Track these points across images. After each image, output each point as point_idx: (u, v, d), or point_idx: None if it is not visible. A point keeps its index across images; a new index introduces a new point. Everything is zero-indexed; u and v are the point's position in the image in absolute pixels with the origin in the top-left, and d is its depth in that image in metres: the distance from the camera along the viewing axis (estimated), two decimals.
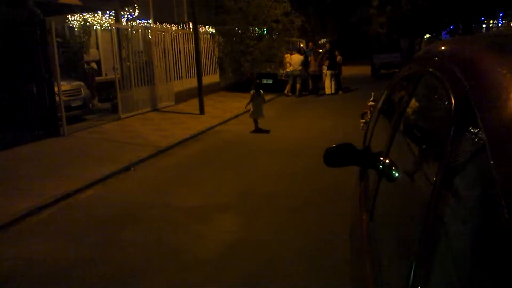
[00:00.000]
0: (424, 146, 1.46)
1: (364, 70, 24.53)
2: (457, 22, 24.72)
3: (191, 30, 12.91)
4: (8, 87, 8.18)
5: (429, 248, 0.98)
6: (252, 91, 9.90)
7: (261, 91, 10.01)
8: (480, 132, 0.91)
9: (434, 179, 1.05)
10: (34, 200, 5.47)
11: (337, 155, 2.26)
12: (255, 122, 10.14)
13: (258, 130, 10.07)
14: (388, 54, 22.38)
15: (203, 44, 14.51)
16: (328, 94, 16.30)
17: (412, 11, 21.47)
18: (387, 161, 1.77)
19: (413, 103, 1.78)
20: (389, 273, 1.39)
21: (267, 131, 10.08)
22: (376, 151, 2.13)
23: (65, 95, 9.50)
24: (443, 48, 1.69)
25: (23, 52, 8.44)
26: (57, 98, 9.06)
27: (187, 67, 14.61)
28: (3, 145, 7.80)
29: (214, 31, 16.42)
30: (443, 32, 27.33)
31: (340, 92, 16.62)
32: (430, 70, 1.53)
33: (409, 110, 1.79)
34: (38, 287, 3.66)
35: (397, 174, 1.62)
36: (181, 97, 13.84)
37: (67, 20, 10.66)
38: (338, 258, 3.67)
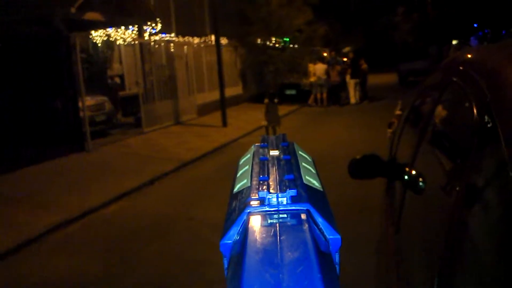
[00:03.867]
0: (450, 157, 1.43)
1: (391, 78, 24.13)
2: (486, 28, 24.13)
3: (213, 43, 12.92)
4: (34, 103, 8.27)
5: (453, 259, 0.97)
6: (265, 100, 9.44)
7: (275, 99, 9.51)
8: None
9: (458, 189, 1.05)
10: (59, 215, 5.42)
11: (362, 167, 2.20)
12: (273, 130, 9.45)
13: None
14: (415, 62, 21.92)
15: (225, 56, 14.52)
16: (353, 104, 16.02)
17: (439, 17, 21.06)
18: (413, 172, 1.69)
19: (439, 112, 1.73)
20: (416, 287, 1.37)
21: None
22: (402, 162, 2.06)
23: (89, 110, 9.56)
24: (468, 56, 1.66)
25: (48, 68, 8.55)
26: (81, 113, 9.12)
27: (210, 79, 14.61)
28: (29, 160, 7.85)
29: (236, 43, 16.43)
30: (471, 38, 26.73)
31: (366, 102, 16.30)
32: (455, 79, 1.51)
33: (435, 119, 1.74)
34: None
35: (423, 185, 1.57)
36: (204, 109, 13.81)
37: (90, 36, 10.80)
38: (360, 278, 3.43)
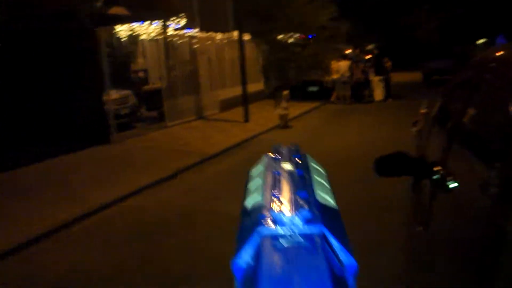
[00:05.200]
0: (483, 157, 1.40)
1: (415, 77, 23.73)
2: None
3: (236, 38, 12.92)
4: (60, 96, 8.42)
5: (491, 259, 0.96)
6: (285, 92, 11.56)
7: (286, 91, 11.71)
8: None
9: (493, 190, 1.03)
10: (81, 206, 5.50)
11: (389, 164, 2.14)
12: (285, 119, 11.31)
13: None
14: (440, 60, 21.55)
15: (247, 52, 14.50)
16: (376, 102, 15.81)
17: (466, 16, 20.58)
18: (443, 171, 1.67)
19: (470, 111, 1.70)
20: (449, 284, 1.36)
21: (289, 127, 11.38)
22: (430, 160, 2.03)
23: (114, 103, 9.68)
24: (500, 53, 1.63)
25: (74, 62, 8.69)
26: (106, 107, 9.25)
27: (232, 75, 14.62)
28: (55, 152, 8.00)
29: (259, 39, 16.38)
30: (498, 36, 26.04)
31: (390, 100, 16.06)
32: (487, 76, 1.48)
33: (465, 118, 1.71)
34: None
35: (453, 185, 1.55)
36: (226, 105, 13.84)
37: (115, 31, 10.94)
38: (383, 277, 3.36)
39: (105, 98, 9.21)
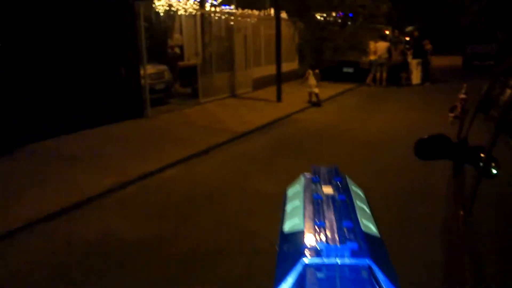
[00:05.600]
0: None
1: (455, 61, 22.88)
2: None
3: (273, 16, 12.76)
4: (98, 69, 8.61)
5: None
6: (316, 70, 12.44)
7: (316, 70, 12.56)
8: None
9: None
10: (117, 177, 5.68)
11: (431, 147, 2.11)
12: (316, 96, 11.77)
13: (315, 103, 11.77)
14: (483, 45, 20.59)
15: (284, 31, 14.32)
16: (414, 85, 15.38)
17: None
18: (488, 157, 1.64)
19: None
20: (492, 269, 1.34)
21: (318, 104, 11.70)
22: (473, 146, 1.99)
23: (150, 78, 9.83)
24: None
25: (113, 36, 8.83)
26: (142, 81, 9.40)
27: (267, 53, 14.51)
28: (92, 124, 8.25)
29: (296, 18, 16.12)
30: None
31: (427, 84, 15.59)
32: None
33: None
34: (115, 263, 3.75)
35: (496, 172, 1.53)
36: (259, 84, 13.80)
37: (153, 5, 11.00)
38: (423, 261, 3.33)
39: (141, 72, 9.36)
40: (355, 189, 0.75)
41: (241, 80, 13.14)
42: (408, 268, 3.46)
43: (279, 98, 11.80)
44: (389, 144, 7.47)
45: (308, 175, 0.74)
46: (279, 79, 11.88)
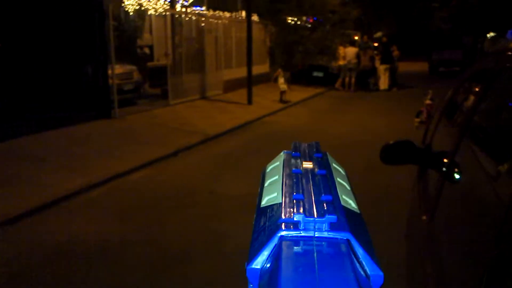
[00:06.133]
0: (495, 153, 1.39)
1: (422, 67, 23.54)
2: None
3: (244, 18, 12.78)
4: (64, 67, 8.39)
5: (504, 258, 0.95)
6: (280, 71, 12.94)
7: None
8: None
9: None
10: (83, 178, 5.54)
11: (396, 152, 2.16)
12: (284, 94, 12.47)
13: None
14: (449, 51, 21.21)
15: (255, 33, 14.38)
16: (381, 90, 15.73)
17: (480, 6, 20.26)
18: (451, 162, 1.67)
19: (486, 103, 1.67)
20: (455, 275, 1.36)
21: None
22: (437, 151, 2.03)
23: (118, 78, 9.64)
24: None
25: (80, 33, 8.62)
26: (110, 81, 9.21)
27: (238, 56, 14.51)
28: (57, 124, 8.01)
29: (267, 20, 16.21)
30: (509, 31, 25.74)
31: (395, 89, 15.97)
32: (509, 65, 1.46)
33: (480, 111, 1.69)
34: (80, 267, 3.64)
35: (459, 177, 1.55)
36: (230, 86, 13.78)
37: (123, 4, 10.82)
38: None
39: (109, 72, 9.17)
40: (336, 166, 0.75)
41: (212, 82, 13.08)
42: None
43: (250, 101, 11.81)
44: (357, 146, 7.60)
45: (288, 151, 0.75)
46: (250, 81, 11.90)
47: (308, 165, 0.70)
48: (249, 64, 12.00)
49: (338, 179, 0.67)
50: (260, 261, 0.50)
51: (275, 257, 0.48)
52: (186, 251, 3.90)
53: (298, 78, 15.21)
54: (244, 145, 8.00)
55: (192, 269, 3.60)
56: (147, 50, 13.06)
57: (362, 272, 0.48)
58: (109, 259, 3.76)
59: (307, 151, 0.77)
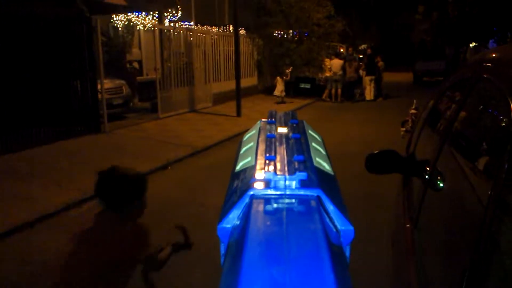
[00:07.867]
0: (474, 159, 1.40)
1: (406, 77, 23.90)
2: (507, 31, 23.76)
3: (232, 33, 12.96)
4: (53, 82, 8.43)
5: (481, 264, 0.95)
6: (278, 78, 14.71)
7: (284, 77, 15.06)
8: None
9: (489, 194, 0.98)
10: (73, 193, 5.56)
11: (380, 161, 2.21)
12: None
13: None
14: (432, 62, 21.69)
15: (242, 47, 14.56)
16: (367, 101, 15.97)
17: (460, 18, 20.76)
18: (433, 170, 1.71)
19: (464, 111, 1.69)
20: (436, 282, 1.36)
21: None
22: (420, 159, 2.07)
23: (107, 93, 9.70)
24: (499, 53, 1.63)
25: (69, 49, 8.68)
26: (99, 96, 9.27)
27: (226, 69, 14.68)
28: (46, 139, 8.03)
29: (254, 34, 16.43)
30: (490, 41, 26.35)
31: (380, 99, 16.23)
32: (485, 76, 1.46)
33: (459, 119, 1.70)
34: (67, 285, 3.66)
35: (442, 185, 1.57)
36: (219, 99, 13.90)
37: (111, 20, 10.92)
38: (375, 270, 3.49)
39: (98, 87, 9.23)
40: (312, 133, 0.73)
41: (201, 95, 13.20)
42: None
43: (238, 113, 11.93)
44: (343, 156, 7.71)
45: (265, 120, 0.73)
46: (239, 94, 12.04)
47: (282, 130, 0.68)
48: (238, 77, 12.16)
49: (313, 144, 0.65)
50: (230, 220, 0.48)
51: (246, 215, 0.46)
52: (174, 265, 3.91)
53: (286, 89, 15.39)
54: (233, 158, 8.06)
55: (181, 282, 3.62)
56: (136, 65, 13.15)
57: (332, 227, 0.47)
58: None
59: (283, 118, 0.76)
